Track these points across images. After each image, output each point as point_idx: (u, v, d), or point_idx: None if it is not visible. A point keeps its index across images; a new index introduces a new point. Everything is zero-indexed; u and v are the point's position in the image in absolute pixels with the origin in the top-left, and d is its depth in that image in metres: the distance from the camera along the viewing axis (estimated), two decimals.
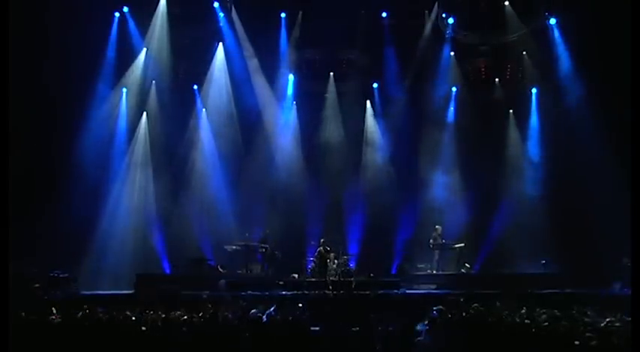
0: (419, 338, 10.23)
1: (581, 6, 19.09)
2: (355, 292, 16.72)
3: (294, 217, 19.90)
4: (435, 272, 19.10)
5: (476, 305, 13.11)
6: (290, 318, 11.00)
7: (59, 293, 16.16)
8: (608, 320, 10.95)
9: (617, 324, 10.14)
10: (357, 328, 11.26)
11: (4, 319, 6.64)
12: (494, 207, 20.22)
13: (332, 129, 21.28)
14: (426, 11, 20.98)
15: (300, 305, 13.64)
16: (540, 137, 20.90)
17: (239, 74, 21.06)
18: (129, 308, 12.13)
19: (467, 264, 19.27)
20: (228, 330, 9.35)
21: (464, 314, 12.05)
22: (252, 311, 11.65)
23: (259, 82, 21.11)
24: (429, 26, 21.05)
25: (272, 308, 12.37)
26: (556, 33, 20.07)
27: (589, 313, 11.92)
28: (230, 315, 11.44)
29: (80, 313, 11.32)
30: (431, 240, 19.24)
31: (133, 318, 11.03)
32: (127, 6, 20.29)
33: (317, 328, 11.83)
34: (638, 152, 7.16)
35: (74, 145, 19.05)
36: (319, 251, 18.60)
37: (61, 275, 17.02)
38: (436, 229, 19.36)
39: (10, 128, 9.64)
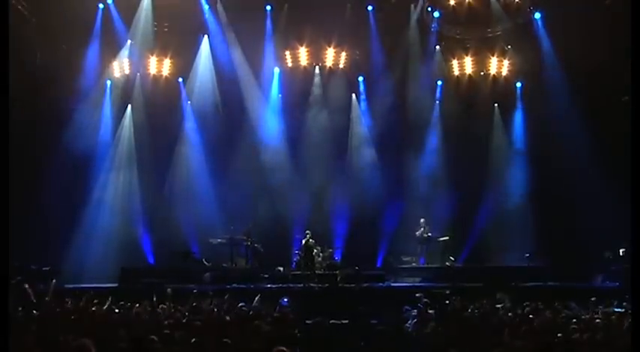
0: (407, 328, 10.32)
1: (566, 0, 19.25)
2: (340, 285, 16.77)
3: (279, 210, 19.88)
4: (414, 264, 19.24)
5: (460, 297, 13.27)
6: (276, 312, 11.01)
7: (41, 286, 15.98)
8: (590, 312, 11.11)
9: (599, 316, 10.29)
10: (343, 321, 11.33)
11: (4, 318, 6.57)
12: (478, 201, 20.33)
13: (317, 123, 21.25)
14: (412, 5, 20.95)
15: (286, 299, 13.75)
16: (525, 131, 21.03)
17: (224, 67, 20.96)
18: (113, 301, 12.10)
19: (451, 257, 19.38)
20: (214, 323, 9.33)
21: (448, 305, 12.17)
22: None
23: (244, 74, 21.00)
24: (414, 20, 21.05)
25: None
26: (541, 27, 20.17)
27: (572, 306, 12.10)
28: (215, 308, 11.47)
29: (63, 306, 11.27)
30: (417, 234, 19.34)
31: (117, 311, 11.00)
32: None
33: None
34: (638, 152, 7.21)
35: (58, 137, 18.90)
36: (305, 243, 18.61)
37: (42, 269, 16.85)
38: (420, 222, 19.48)
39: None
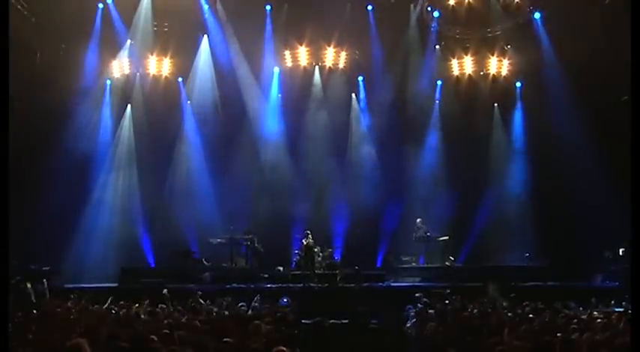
0: (407, 327, 10.33)
1: (565, 0, 19.25)
2: (340, 285, 16.77)
3: (279, 210, 19.86)
4: (414, 264, 19.23)
5: (460, 297, 13.28)
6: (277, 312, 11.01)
7: (41, 286, 15.97)
8: (589, 312, 11.11)
9: (599, 316, 10.28)
10: (342, 321, 11.34)
11: (4, 318, 6.57)
12: (478, 201, 20.31)
13: (317, 122, 21.24)
14: (412, 4, 20.97)
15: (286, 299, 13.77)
16: (525, 131, 21.02)
17: (224, 66, 20.95)
18: (113, 301, 12.11)
19: (451, 257, 19.37)
20: (214, 323, 9.32)
21: (448, 305, 12.18)
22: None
23: (244, 74, 20.99)
24: (414, 19, 21.05)
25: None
26: (540, 27, 20.15)
27: (571, 305, 12.11)
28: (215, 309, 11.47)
29: (63, 305, 11.27)
30: (414, 235, 19.33)
31: (114, 311, 10.99)
32: None
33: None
34: (638, 151, 7.20)
35: (58, 138, 18.88)
36: (305, 243, 18.61)
37: (42, 268, 16.84)
38: (417, 223, 19.48)
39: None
